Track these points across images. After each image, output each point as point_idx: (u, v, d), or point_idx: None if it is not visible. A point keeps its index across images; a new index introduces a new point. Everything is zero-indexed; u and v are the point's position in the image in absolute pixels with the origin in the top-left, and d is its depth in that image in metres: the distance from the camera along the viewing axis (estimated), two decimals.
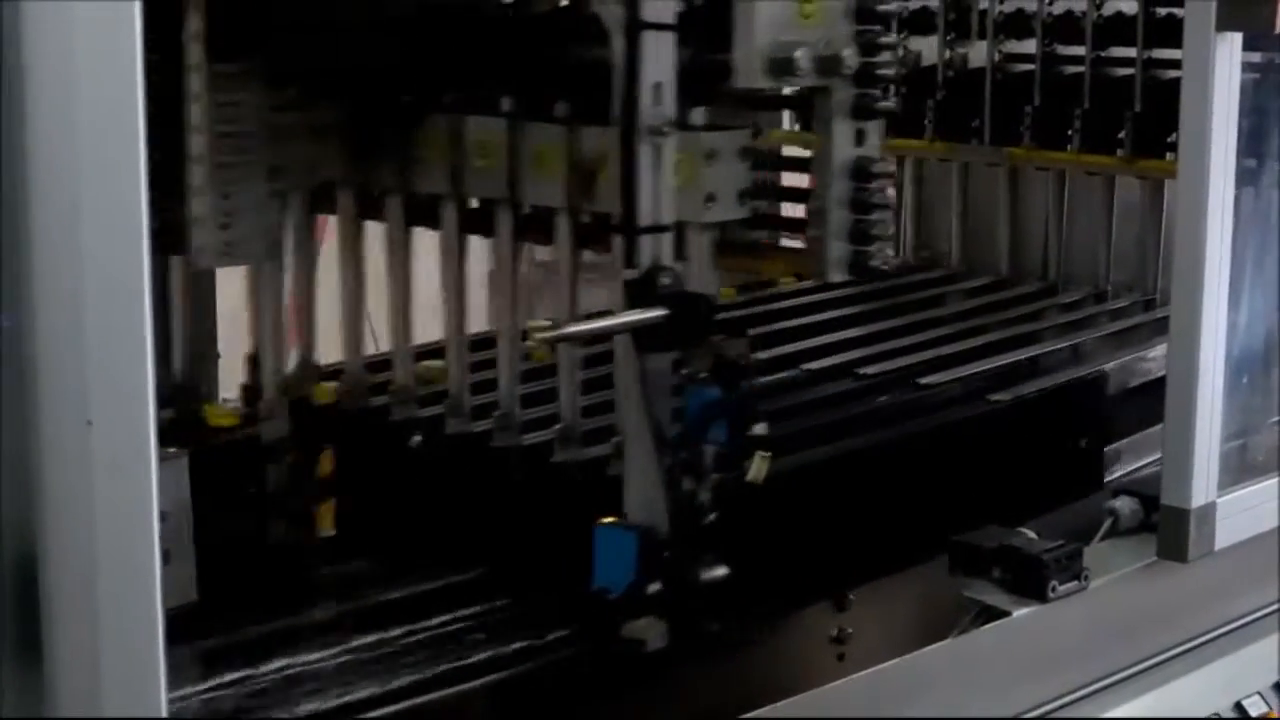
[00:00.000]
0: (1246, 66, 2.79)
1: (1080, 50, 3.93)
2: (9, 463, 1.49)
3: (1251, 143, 2.92)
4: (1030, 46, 4.02)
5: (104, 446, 1.47)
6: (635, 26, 2.34)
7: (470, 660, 2.46)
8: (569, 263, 2.66)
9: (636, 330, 2.41)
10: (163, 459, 2.49)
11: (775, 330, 3.69)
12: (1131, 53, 3.85)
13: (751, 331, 3.63)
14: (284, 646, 2.46)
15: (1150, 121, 3.80)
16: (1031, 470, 3.16)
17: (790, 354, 3.49)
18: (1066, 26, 3.97)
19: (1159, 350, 3.53)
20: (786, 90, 2.55)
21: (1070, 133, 3.94)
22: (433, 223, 2.80)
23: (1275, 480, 3.00)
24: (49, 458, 1.47)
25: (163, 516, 2.44)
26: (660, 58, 2.37)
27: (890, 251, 2.58)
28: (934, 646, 2.60)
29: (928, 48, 4.18)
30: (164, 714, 1.54)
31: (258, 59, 2.58)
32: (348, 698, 2.33)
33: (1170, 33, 3.66)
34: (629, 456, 2.50)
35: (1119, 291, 4.15)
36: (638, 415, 2.44)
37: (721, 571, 2.44)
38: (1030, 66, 4.01)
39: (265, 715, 2.28)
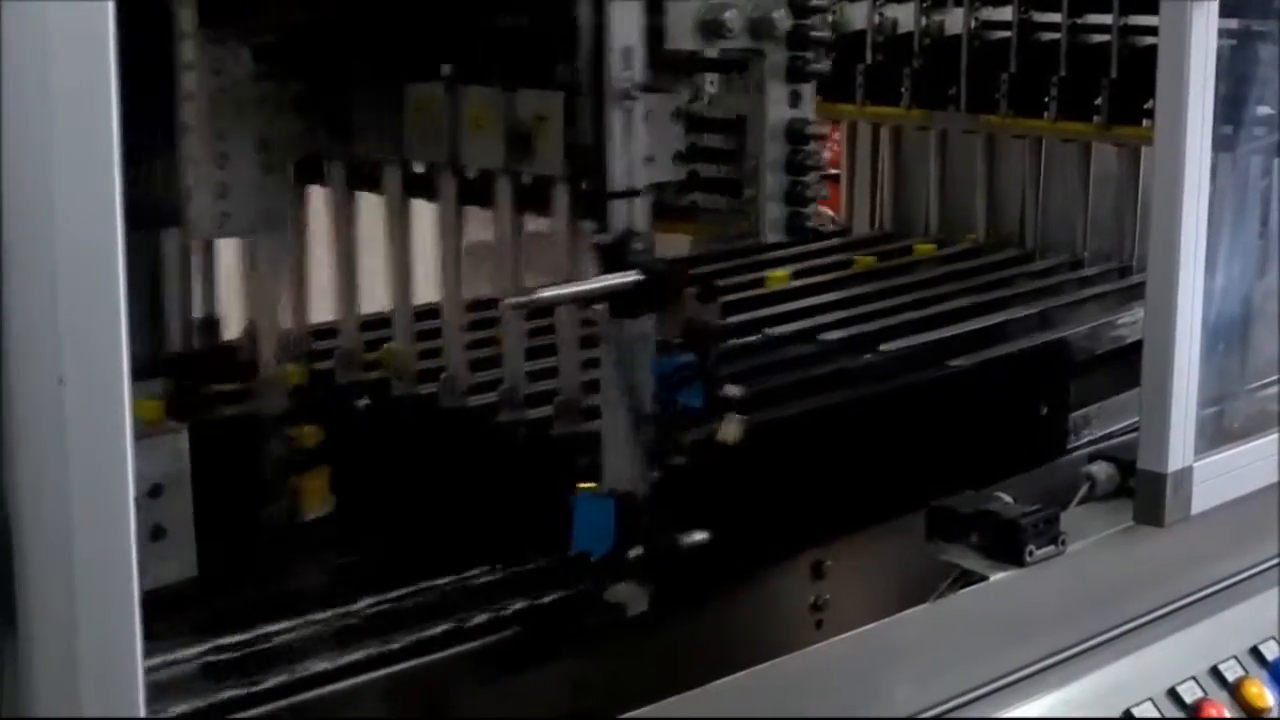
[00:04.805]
0: (1223, 32, 2.78)
1: (1056, 17, 3.92)
2: None
3: (1229, 109, 2.92)
4: (1006, 13, 4.02)
5: (76, 406, 1.45)
6: None
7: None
8: (510, 227, 2.67)
9: (610, 296, 2.42)
10: (162, 432, 2.50)
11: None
12: (1108, 19, 3.84)
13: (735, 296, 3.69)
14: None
15: (1127, 88, 3.80)
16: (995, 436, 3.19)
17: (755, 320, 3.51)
18: None
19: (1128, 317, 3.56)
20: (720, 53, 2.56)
21: (1047, 100, 3.93)
22: (377, 188, 2.80)
23: (1251, 444, 3.01)
24: (20, 417, 1.45)
25: (161, 490, 2.47)
26: (629, 21, 2.39)
27: (829, 213, 2.64)
28: (911, 610, 2.61)
29: (904, 14, 4.17)
30: (139, 674, 1.54)
31: (243, 25, 2.56)
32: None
33: None
34: (605, 424, 2.51)
35: (1095, 259, 4.16)
36: (614, 382, 2.45)
37: (701, 536, 2.46)
38: (1006, 33, 4.01)
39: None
